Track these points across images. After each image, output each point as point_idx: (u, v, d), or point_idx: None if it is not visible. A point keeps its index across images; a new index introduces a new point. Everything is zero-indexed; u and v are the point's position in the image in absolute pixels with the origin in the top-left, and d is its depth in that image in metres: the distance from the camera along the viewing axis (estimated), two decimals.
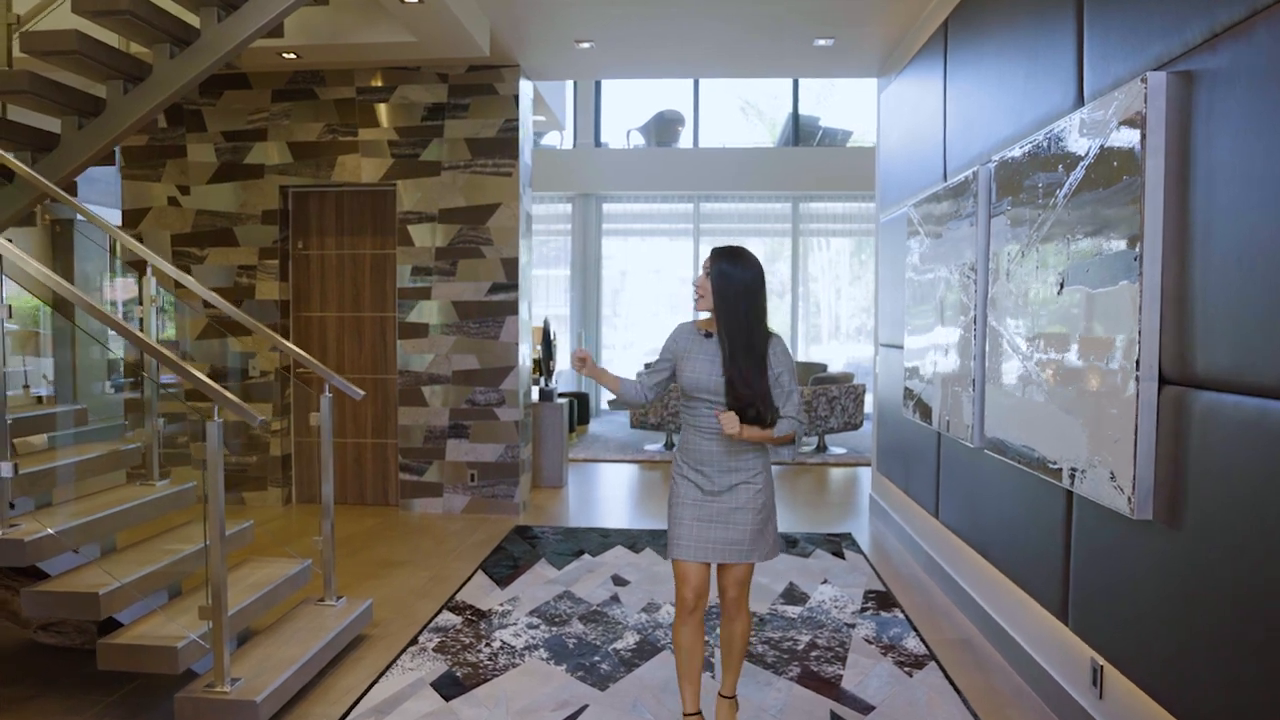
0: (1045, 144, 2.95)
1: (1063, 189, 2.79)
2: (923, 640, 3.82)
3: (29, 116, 4.81)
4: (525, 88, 6.30)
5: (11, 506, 3.38)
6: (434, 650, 3.67)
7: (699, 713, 2.84)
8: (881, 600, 4.35)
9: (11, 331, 4.99)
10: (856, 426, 8.71)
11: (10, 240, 4.65)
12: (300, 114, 6.24)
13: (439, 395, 6.22)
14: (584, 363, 2.82)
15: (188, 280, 4.16)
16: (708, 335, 2.75)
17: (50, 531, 3.02)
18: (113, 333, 3.47)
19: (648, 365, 3.47)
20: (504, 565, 4.92)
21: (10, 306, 3.23)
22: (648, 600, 4.32)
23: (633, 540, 5.44)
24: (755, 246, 11.89)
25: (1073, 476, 2.71)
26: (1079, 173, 2.68)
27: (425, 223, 6.18)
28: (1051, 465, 2.86)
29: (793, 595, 4.41)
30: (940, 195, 4.20)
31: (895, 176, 5.60)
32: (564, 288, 11.93)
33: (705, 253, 2.70)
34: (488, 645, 3.74)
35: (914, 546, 5.09)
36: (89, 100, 4.58)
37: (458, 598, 4.36)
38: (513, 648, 3.71)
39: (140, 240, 6.40)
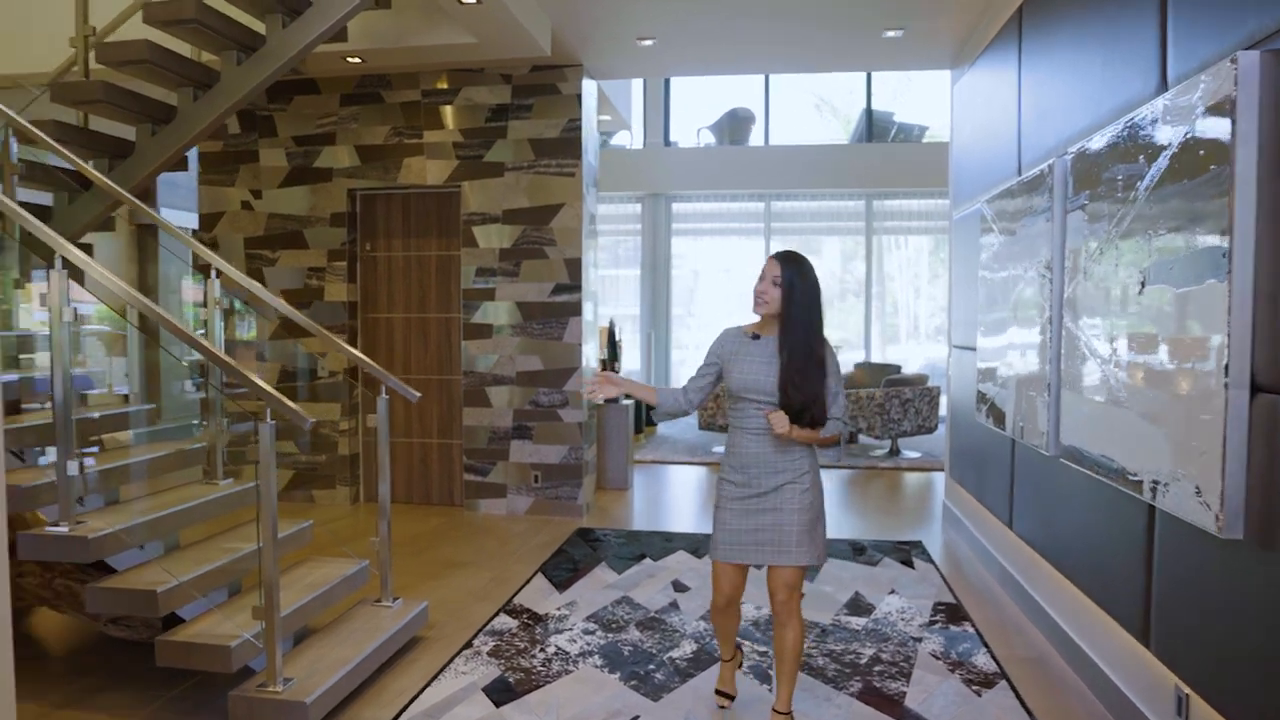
0: (1125, 134, 2.76)
1: (1144, 181, 2.60)
2: (993, 657, 3.63)
3: (107, 126, 4.97)
4: (588, 87, 6.26)
5: (80, 502, 3.48)
6: (488, 654, 3.65)
7: (733, 657, 3.13)
8: (951, 613, 4.17)
9: (100, 333, 5.19)
10: (931, 430, 8.44)
11: (90, 245, 4.81)
12: (367, 117, 6.32)
13: (503, 396, 6.23)
14: (610, 382, 2.89)
15: (246, 280, 4.22)
16: (755, 337, 2.82)
17: (113, 529, 3.08)
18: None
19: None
20: (564, 568, 4.89)
21: (81, 313, 3.32)
22: (707, 607, 4.22)
23: (695, 545, 5.35)
24: (828, 245, 11.68)
25: (1154, 489, 2.52)
26: (1162, 163, 2.49)
27: (489, 224, 6.20)
28: (1131, 477, 2.67)
29: (858, 605, 4.26)
30: (1014, 190, 4.00)
31: (968, 172, 5.37)
32: (634, 288, 11.89)
33: (772, 249, 2.85)
34: (542, 650, 3.70)
35: (987, 557, 4.87)
36: (161, 108, 4.71)
37: (515, 601, 4.34)
38: (567, 654, 3.67)
39: (215, 244, 6.59)
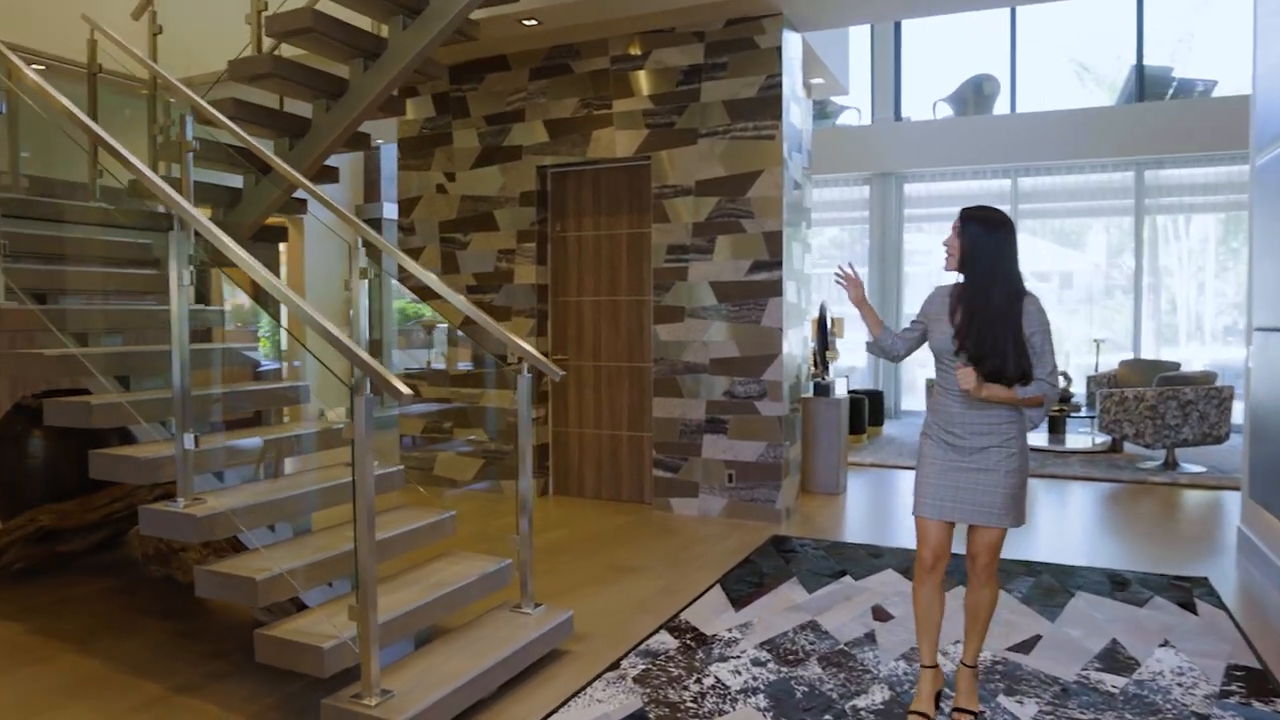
0: None
1: None
2: None
3: (291, 107, 4.95)
4: (790, 40, 5.55)
5: (220, 478, 3.30)
6: (634, 680, 3.08)
7: (936, 665, 2.82)
8: (1254, 682, 3.08)
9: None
10: (1219, 440, 6.90)
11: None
12: (556, 90, 6.00)
13: (695, 385, 5.67)
14: (856, 285, 2.93)
15: (407, 261, 3.94)
16: None
17: (223, 510, 2.83)
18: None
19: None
20: (747, 581, 4.24)
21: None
22: (910, 644, 3.42)
23: (908, 563, 4.51)
24: (1090, 230, 10.10)
25: None
26: None
27: (681, 196, 5.66)
28: None
29: (1115, 659, 3.27)
30: None
31: (1277, 104, 4.13)
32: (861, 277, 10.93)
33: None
34: (698, 681, 3.08)
35: None
36: (335, 82, 4.58)
37: (682, 616, 3.75)
38: (727, 688, 3.02)
39: (412, 229, 6.54)
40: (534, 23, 5.31)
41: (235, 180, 4.95)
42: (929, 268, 10.75)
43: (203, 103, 4.04)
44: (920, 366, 10.60)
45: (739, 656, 3.30)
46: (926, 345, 2.85)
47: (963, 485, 2.67)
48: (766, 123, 5.41)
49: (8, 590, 4.17)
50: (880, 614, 3.77)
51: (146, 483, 2.99)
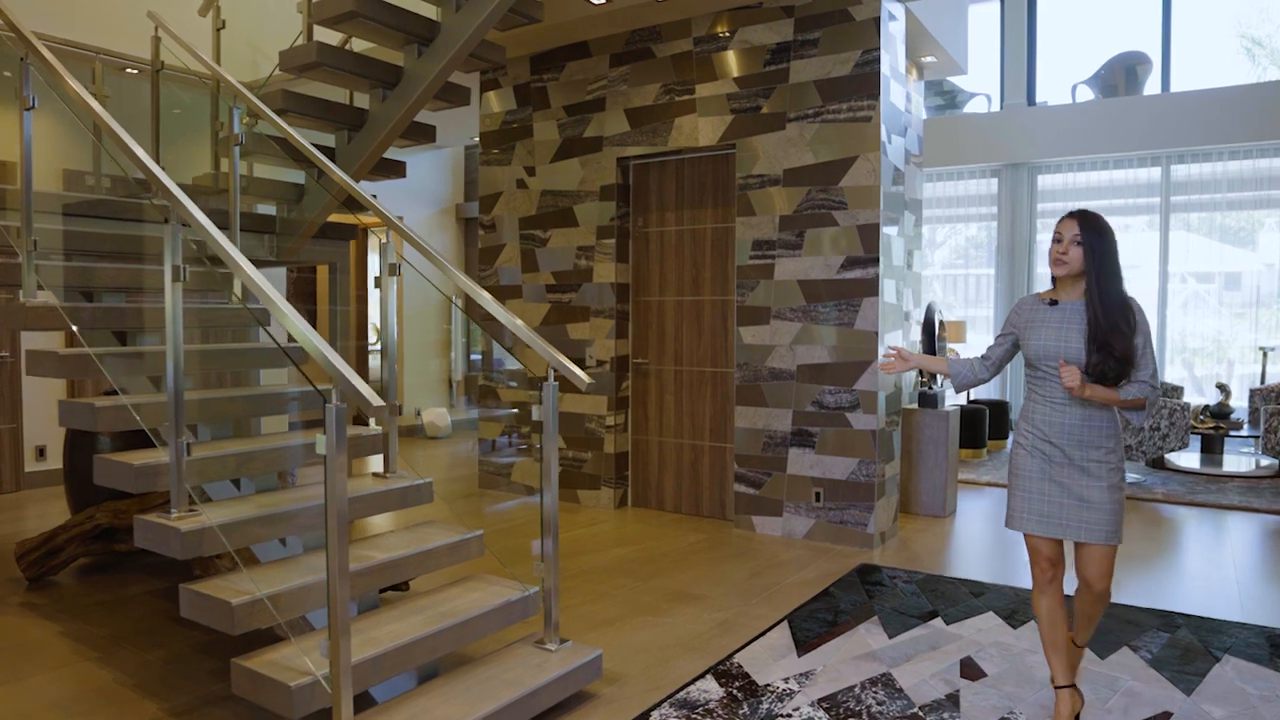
0: None
1: None
2: None
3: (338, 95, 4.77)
4: (892, 10, 4.99)
5: (236, 485, 3.08)
6: None
7: (1073, 685, 2.71)
8: None
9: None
10: None
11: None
12: (637, 76, 5.63)
13: (780, 393, 5.18)
14: (902, 360, 2.96)
15: (438, 258, 3.65)
16: (1052, 304, 2.69)
17: (206, 525, 2.60)
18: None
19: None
20: (819, 619, 3.74)
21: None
22: (1004, 710, 2.86)
23: (1014, 606, 3.90)
24: (1260, 223, 8.94)
25: None
26: None
27: (767, 187, 5.19)
28: None
29: None
30: None
31: None
32: (987, 283, 10.08)
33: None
34: None
35: None
36: (390, 70, 4.36)
37: (734, 659, 3.30)
38: None
39: (493, 227, 6.32)
40: (601, 1, 4.95)
41: (298, 176, 4.82)
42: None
43: (250, 95, 3.88)
44: None
45: (789, 716, 2.83)
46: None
47: (1066, 500, 2.62)
48: (863, 103, 4.87)
49: (67, 586, 4.15)
50: (970, 670, 3.21)
51: (142, 491, 2.79)
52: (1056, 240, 2.62)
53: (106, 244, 3.87)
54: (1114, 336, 2.53)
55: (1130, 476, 6.75)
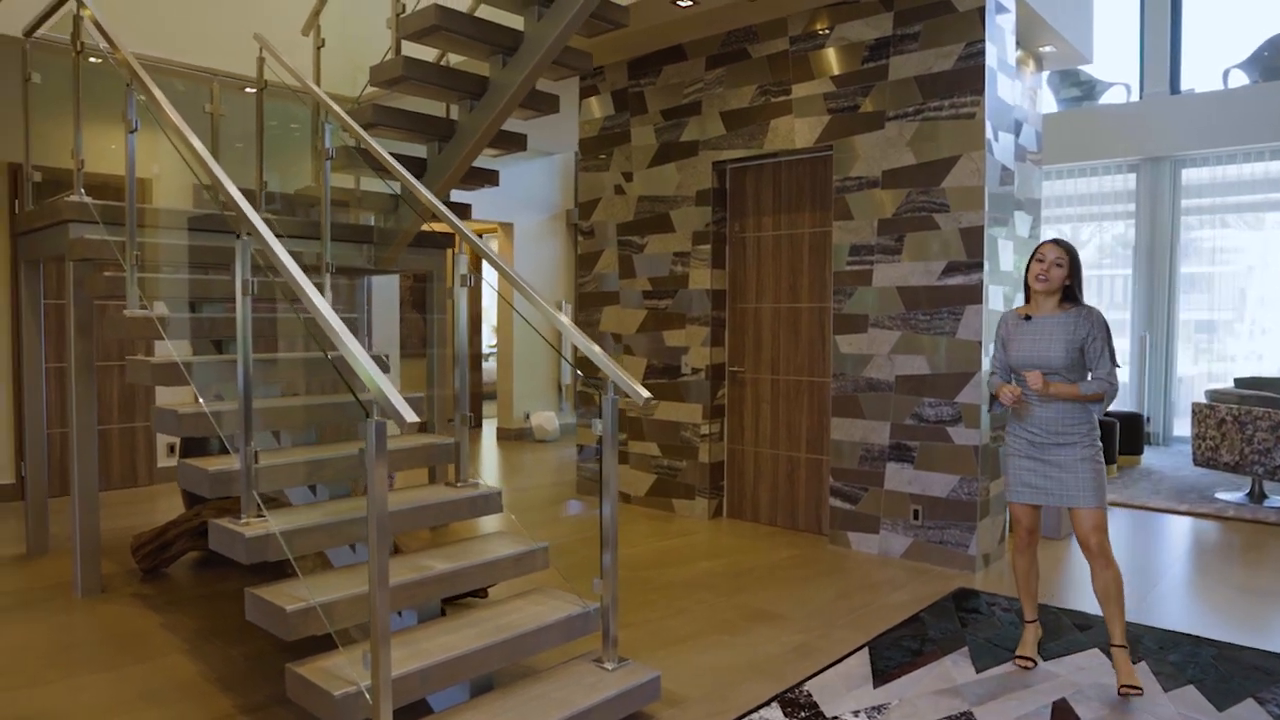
0: None
1: None
2: None
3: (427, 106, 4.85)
4: None
5: (314, 492, 3.17)
6: None
7: (1036, 619, 3.40)
8: None
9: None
10: None
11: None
12: (733, 78, 5.51)
13: (878, 405, 4.95)
14: (1018, 402, 3.19)
15: (505, 268, 3.65)
16: (1027, 319, 3.21)
17: (270, 531, 2.67)
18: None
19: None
20: (904, 647, 3.53)
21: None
22: None
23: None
24: None
25: None
26: None
27: (865, 189, 4.97)
28: None
29: None
30: None
31: None
32: (1124, 285, 9.40)
33: (1050, 239, 3.24)
34: None
35: None
36: (476, 81, 4.41)
37: (806, 686, 3.15)
38: None
39: (592, 232, 6.33)
40: (689, 3, 4.85)
41: (396, 188, 4.95)
42: (1215, 267, 8.99)
43: (339, 110, 4.01)
44: (1189, 387, 8.90)
45: None
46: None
47: (1049, 474, 3.16)
48: (966, 99, 4.60)
49: (177, 578, 4.39)
50: (1062, 713, 2.94)
51: (217, 496, 2.90)
52: (1039, 260, 3.13)
53: (210, 256, 4.08)
54: (1102, 343, 3.11)
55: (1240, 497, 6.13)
